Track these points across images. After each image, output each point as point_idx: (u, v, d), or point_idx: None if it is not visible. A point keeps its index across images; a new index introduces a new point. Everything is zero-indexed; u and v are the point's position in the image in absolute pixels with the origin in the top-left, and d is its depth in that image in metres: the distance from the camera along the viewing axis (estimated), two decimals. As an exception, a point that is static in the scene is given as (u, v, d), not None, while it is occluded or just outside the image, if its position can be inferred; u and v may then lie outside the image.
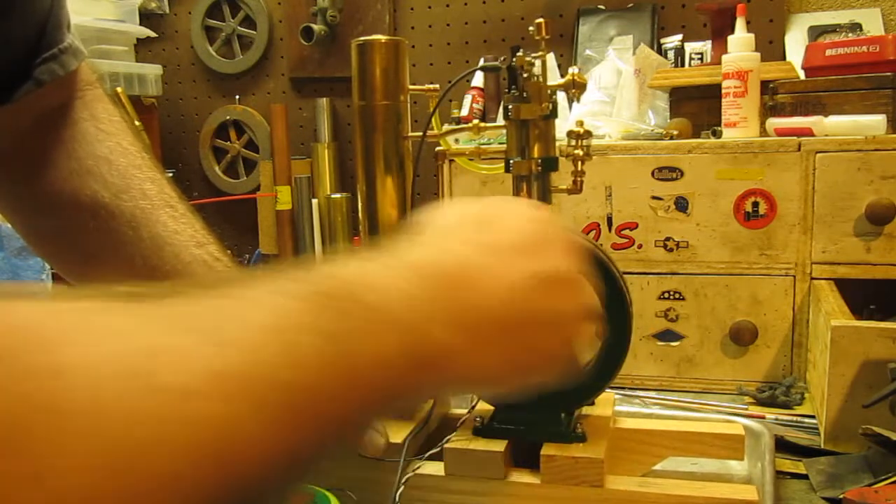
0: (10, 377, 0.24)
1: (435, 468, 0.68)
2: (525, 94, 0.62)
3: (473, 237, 0.43)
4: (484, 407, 0.72)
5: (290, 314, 0.32)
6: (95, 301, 0.29)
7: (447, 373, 0.39)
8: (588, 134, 0.65)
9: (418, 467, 0.68)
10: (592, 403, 0.73)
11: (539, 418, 0.69)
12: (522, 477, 0.67)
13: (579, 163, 0.65)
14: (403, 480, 0.66)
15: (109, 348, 0.27)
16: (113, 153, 0.66)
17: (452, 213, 0.46)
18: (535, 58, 0.61)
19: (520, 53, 0.61)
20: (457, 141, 0.74)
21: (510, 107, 0.63)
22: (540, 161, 0.64)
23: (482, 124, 0.68)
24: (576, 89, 0.62)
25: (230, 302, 0.32)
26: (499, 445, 0.67)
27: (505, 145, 0.68)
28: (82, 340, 0.26)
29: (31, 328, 0.26)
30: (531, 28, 0.62)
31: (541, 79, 0.62)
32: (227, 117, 2.06)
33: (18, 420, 0.24)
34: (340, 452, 0.35)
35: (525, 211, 0.47)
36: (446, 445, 0.68)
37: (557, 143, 0.67)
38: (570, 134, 0.66)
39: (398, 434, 0.68)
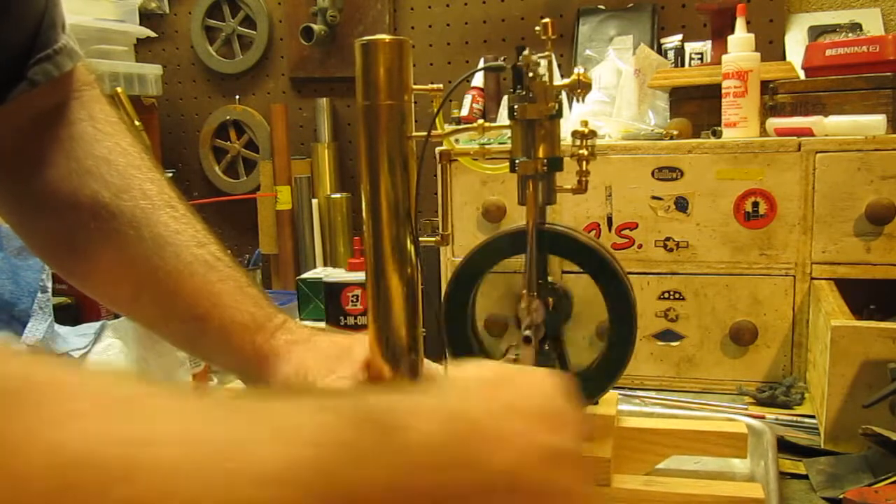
0: None
1: (439, 467, 0.68)
2: (531, 94, 0.62)
3: (493, 398, 0.43)
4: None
5: (335, 430, 0.34)
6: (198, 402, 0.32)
7: None
8: (593, 134, 0.65)
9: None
10: (596, 403, 0.74)
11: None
12: (527, 476, 0.67)
13: (584, 163, 0.66)
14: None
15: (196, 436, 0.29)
16: (112, 153, 0.66)
17: (474, 373, 0.46)
18: (541, 57, 0.62)
19: (526, 52, 0.61)
20: (457, 141, 0.74)
21: (516, 106, 0.63)
22: (545, 161, 0.64)
23: (487, 124, 0.68)
24: (581, 89, 0.62)
25: (290, 411, 0.34)
26: (503, 445, 0.67)
27: (506, 145, 0.68)
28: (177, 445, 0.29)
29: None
30: (537, 28, 0.62)
31: (546, 78, 0.62)
32: (227, 117, 2.06)
33: None
34: None
35: (542, 378, 0.47)
36: (451, 445, 0.68)
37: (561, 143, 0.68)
38: (574, 134, 0.66)
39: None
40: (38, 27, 0.61)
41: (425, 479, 0.37)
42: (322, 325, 1.36)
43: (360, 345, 0.65)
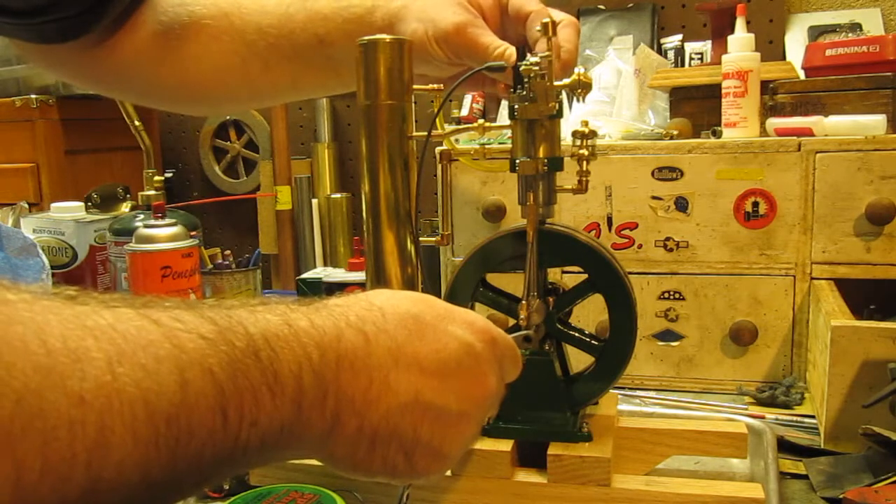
0: None
1: (440, 467, 0.68)
2: (531, 94, 0.62)
3: (390, 336, 0.43)
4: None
5: (192, 353, 0.34)
6: (26, 292, 0.31)
7: (307, 451, 0.41)
8: (593, 134, 0.65)
9: (424, 467, 0.68)
10: (597, 403, 0.74)
11: (545, 418, 0.69)
12: (529, 476, 0.67)
13: (584, 163, 0.66)
14: (409, 480, 0.66)
15: (25, 334, 0.29)
16: None
17: (392, 302, 0.46)
18: (541, 58, 0.62)
19: (528, 60, 0.61)
20: (457, 141, 0.74)
21: (516, 106, 0.63)
22: (546, 161, 0.64)
23: (487, 124, 0.68)
24: (581, 89, 0.62)
25: (144, 322, 0.33)
26: (505, 445, 0.67)
27: (506, 145, 0.68)
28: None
29: None
30: (538, 28, 0.62)
31: (547, 78, 0.62)
32: (227, 117, 2.06)
33: None
34: (199, 492, 0.37)
35: (464, 332, 0.46)
36: (451, 445, 0.68)
37: (561, 143, 0.68)
38: (574, 134, 0.66)
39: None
40: None
41: (280, 414, 0.37)
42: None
43: None
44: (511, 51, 0.67)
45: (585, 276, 0.70)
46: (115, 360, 0.30)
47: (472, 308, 0.73)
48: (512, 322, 0.73)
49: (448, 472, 0.48)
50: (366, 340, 0.42)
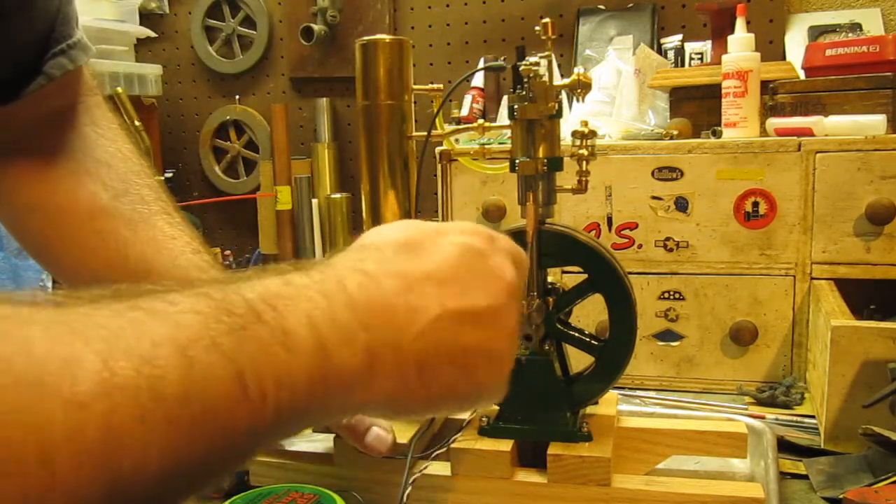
0: None
1: (441, 468, 0.68)
2: (531, 94, 0.62)
3: (393, 264, 0.42)
4: (489, 407, 0.72)
5: (190, 329, 0.33)
6: (8, 305, 0.30)
7: (357, 395, 0.39)
8: (593, 133, 0.65)
9: (425, 467, 0.68)
10: (597, 403, 0.74)
11: (545, 418, 0.69)
12: (529, 476, 0.67)
13: (584, 162, 0.66)
14: (410, 481, 0.66)
15: (8, 351, 0.28)
16: (113, 158, 0.67)
17: (381, 235, 0.45)
18: (541, 58, 0.62)
19: (528, 61, 0.61)
20: (457, 141, 0.74)
21: (516, 106, 0.63)
22: (546, 161, 0.64)
23: (487, 124, 0.68)
24: (581, 89, 0.62)
25: (136, 313, 0.33)
26: (505, 445, 0.67)
27: (506, 145, 0.68)
28: None
29: None
30: (537, 28, 0.62)
31: (546, 78, 0.62)
32: (227, 117, 2.06)
33: None
34: (240, 466, 0.35)
35: (459, 236, 0.45)
36: (452, 445, 0.68)
37: (561, 143, 0.67)
38: (574, 134, 0.66)
39: (404, 434, 0.68)
40: (54, 22, 0.61)
41: (315, 360, 0.36)
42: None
43: None
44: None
45: (585, 276, 0.71)
46: (110, 357, 0.30)
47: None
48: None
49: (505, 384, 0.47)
50: (370, 276, 0.41)
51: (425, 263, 0.43)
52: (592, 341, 0.71)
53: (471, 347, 0.42)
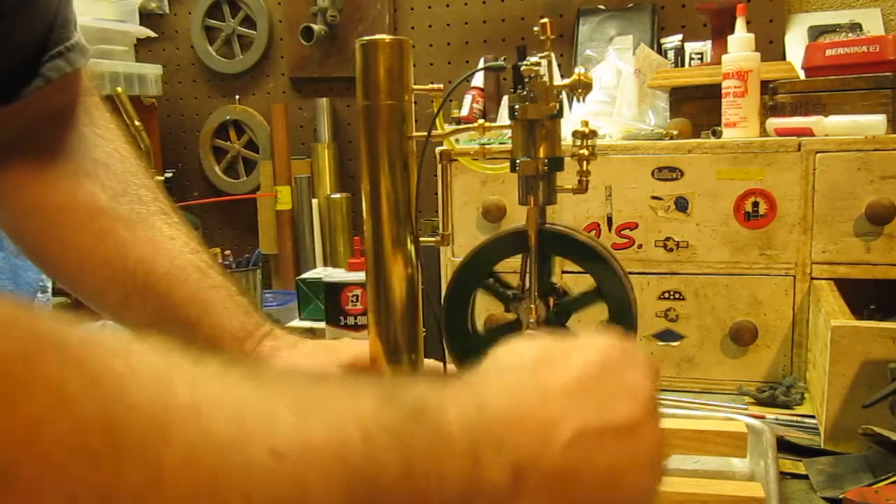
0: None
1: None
2: (531, 94, 0.62)
3: (527, 379, 0.41)
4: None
5: (368, 411, 0.33)
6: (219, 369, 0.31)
7: None
8: (593, 133, 0.65)
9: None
10: (596, 402, 0.73)
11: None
12: (527, 476, 0.67)
13: (585, 162, 0.65)
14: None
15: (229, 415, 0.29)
16: (111, 158, 0.67)
17: (514, 352, 0.44)
18: (541, 58, 0.61)
19: (529, 61, 0.61)
20: (457, 141, 0.74)
21: (516, 106, 0.63)
22: (546, 161, 0.64)
23: (487, 124, 0.68)
24: (582, 89, 0.62)
25: (334, 392, 0.34)
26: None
27: (506, 145, 0.68)
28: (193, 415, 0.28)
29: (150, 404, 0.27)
30: (536, 28, 0.62)
31: (546, 78, 0.62)
32: (227, 117, 2.06)
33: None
34: None
35: (597, 349, 0.43)
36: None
37: (561, 143, 0.67)
38: (575, 134, 0.66)
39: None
40: (53, 24, 0.61)
41: (469, 469, 0.35)
42: (322, 325, 1.36)
43: (344, 346, 0.65)
44: None
45: (586, 275, 0.70)
46: (302, 416, 0.30)
47: (472, 302, 0.73)
48: (512, 317, 0.73)
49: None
50: (512, 390, 0.40)
51: (562, 378, 0.41)
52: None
53: (614, 463, 0.40)
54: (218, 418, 0.28)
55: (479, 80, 1.65)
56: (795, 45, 1.56)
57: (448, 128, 0.71)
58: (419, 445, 0.34)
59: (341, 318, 1.30)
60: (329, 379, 0.35)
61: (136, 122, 1.74)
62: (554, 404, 0.40)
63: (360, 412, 0.33)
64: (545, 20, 0.62)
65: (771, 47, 1.58)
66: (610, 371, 0.43)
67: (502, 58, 1.68)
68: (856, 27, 1.47)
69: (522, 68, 0.61)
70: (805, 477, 0.84)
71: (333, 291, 1.31)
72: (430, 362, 0.65)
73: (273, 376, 0.33)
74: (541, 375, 0.41)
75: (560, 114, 0.64)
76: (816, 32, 1.54)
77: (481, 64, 1.64)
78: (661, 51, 1.59)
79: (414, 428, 0.34)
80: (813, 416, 1.00)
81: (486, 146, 0.72)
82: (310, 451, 0.30)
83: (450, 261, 1.27)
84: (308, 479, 0.29)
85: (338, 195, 1.88)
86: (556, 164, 0.65)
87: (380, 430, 0.33)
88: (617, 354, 0.44)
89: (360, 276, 1.28)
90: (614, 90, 1.46)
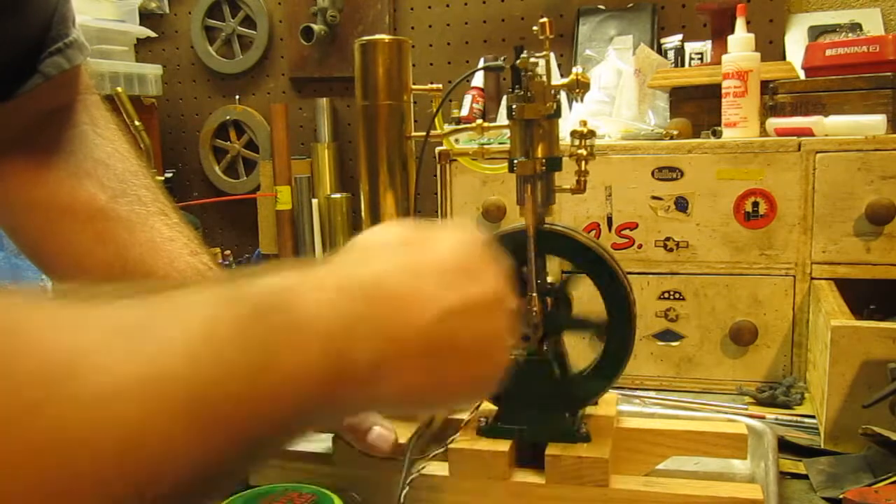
0: None
1: (439, 468, 0.68)
2: (529, 94, 0.62)
3: (396, 258, 0.42)
4: (488, 407, 0.72)
5: (217, 324, 0.33)
6: (37, 297, 0.30)
7: (370, 389, 0.39)
8: (592, 133, 0.65)
9: (423, 468, 0.68)
10: (596, 403, 0.74)
11: (543, 418, 0.69)
12: (527, 477, 0.67)
13: (583, 162, 0.65)
14: (408, 481, 0.66)
15: (39, 346, 0.28)
16: (111, 158, 0.66)
17: (379, 235, 0.46)
18: (539, 58, 0.61)
19: (524, 55, 0.61)
20: (457, 141, 0.74)
21: (514, 106, 0.63)
22: (544, 161, 0.64)
23: (486, 124, 0.68)
24: (580, 89, 0.62)
25: (163, 310, 0.32)
26: (503, 445, 0.67)
27: (505, 145, 0.68)
28: (10, 338, 0.27)
29: None
30: (535, 28, 0.62)
31: (545, 78, 0.62)
32: (227, 117, 2.06)
33: None
34: (260, 464, 0.35)
35: (454, 234, 0.46)
36: (451, 446, 0.68)
37: (559, 143, 0.67)
38: (573, 134, 0.66)
39: (403, 434, 0.68)
40: (51, 21, 0.61)
41: (328, 352, 0.36)
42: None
43: None
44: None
45: (586, 275, 0.70)
46: (131, 350, 0.30)
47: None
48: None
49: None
50: (374, 272, 0.41)
51: (428, 257, 0.43)
52: (592, 342, 0.71)
53: (476, 339, 0.43)
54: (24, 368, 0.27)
55: (479, 80, 1.65)
56: (795, 45, 1.56)
57: (447, 128, 0.71)
58: (267, 340, 0.34)
59: (341, 318, 1.30)
60: (187, 290, 0.34)
61: (136, 122, 1.74)
62: (419, 282, 0.41)
63: (210, 331, 0.32)
64: (545, 20, 0.63)
65: (771, 47, 1.58)
66: (469, 254, 0.45)
67: (502, 58, 1.68)
68: (856, 27, 1.47)
69: (518, 62, 0.61)
70: (805, 477, 0.84)
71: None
72: None
73: (121, 305, 0.32)
74: (407, 254, 0.43)
75: (558, 114, 0.64)
76: (816, 32, 1.54)
77: (481, 64, 1.63)
78: (661, 51, 1.59)
79: (258, 324, 0.34)
80: (813, 416, 1.00)
81: (486, 146, 0.72)
82: (138, 388, 0.29)
83: (449, 261, 1.27)
84: (155, 417, 0.29)
85: (338, 195, 1.88)
86: (554, 164, 0.65)
87: (228, 348, 0.32)
88: (473, 240, 0.46)
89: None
90: (614, 90, 1.46)
